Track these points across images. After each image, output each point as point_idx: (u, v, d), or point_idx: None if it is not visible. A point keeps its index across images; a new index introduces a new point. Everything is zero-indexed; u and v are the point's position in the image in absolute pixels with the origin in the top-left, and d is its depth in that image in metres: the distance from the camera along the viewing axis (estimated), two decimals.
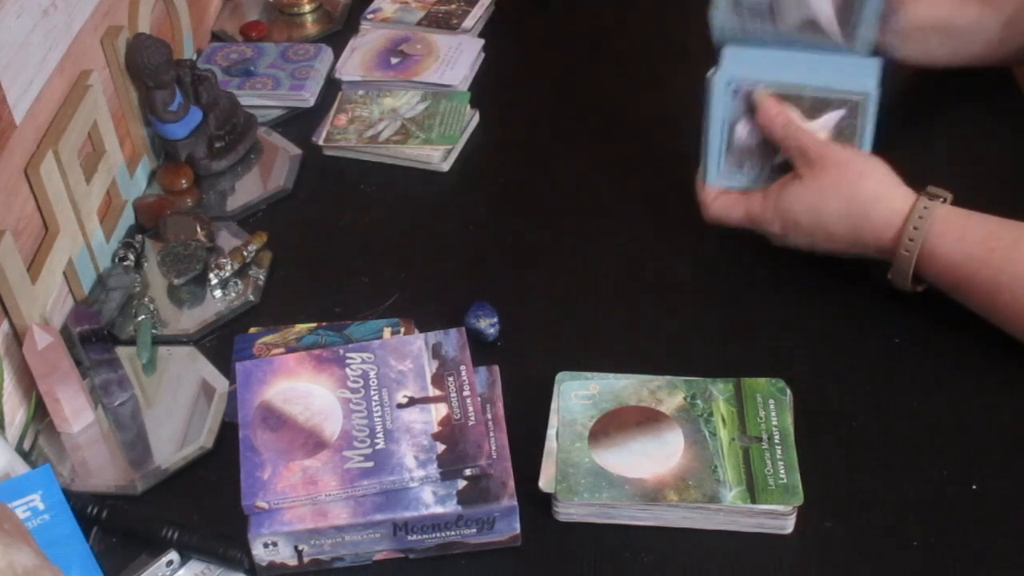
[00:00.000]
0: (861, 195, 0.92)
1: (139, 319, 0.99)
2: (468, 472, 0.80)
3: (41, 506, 0.79)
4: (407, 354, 0.86)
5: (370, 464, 0.80)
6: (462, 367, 0.85)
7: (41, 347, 0.86)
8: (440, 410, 0.82)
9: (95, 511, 0.83)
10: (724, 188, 0.99)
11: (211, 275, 1.02)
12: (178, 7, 1.22)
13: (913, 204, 0.90)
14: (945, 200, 0.91)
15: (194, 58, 1.28)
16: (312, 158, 1.18)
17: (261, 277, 1.04)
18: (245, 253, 1.04)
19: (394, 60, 1.27)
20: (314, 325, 0.96)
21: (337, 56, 1.30)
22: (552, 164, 1.16)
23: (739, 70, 0.97)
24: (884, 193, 0.92)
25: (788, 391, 0.87)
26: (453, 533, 0.80)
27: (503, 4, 1.38)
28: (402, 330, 0.94)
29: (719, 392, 0.87)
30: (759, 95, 0.96)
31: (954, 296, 0.92)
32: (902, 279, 0.92)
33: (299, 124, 1.22)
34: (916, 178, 0.93)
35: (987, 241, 0.89)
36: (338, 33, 1.36)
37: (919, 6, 1.07)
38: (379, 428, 0.82)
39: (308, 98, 1.24)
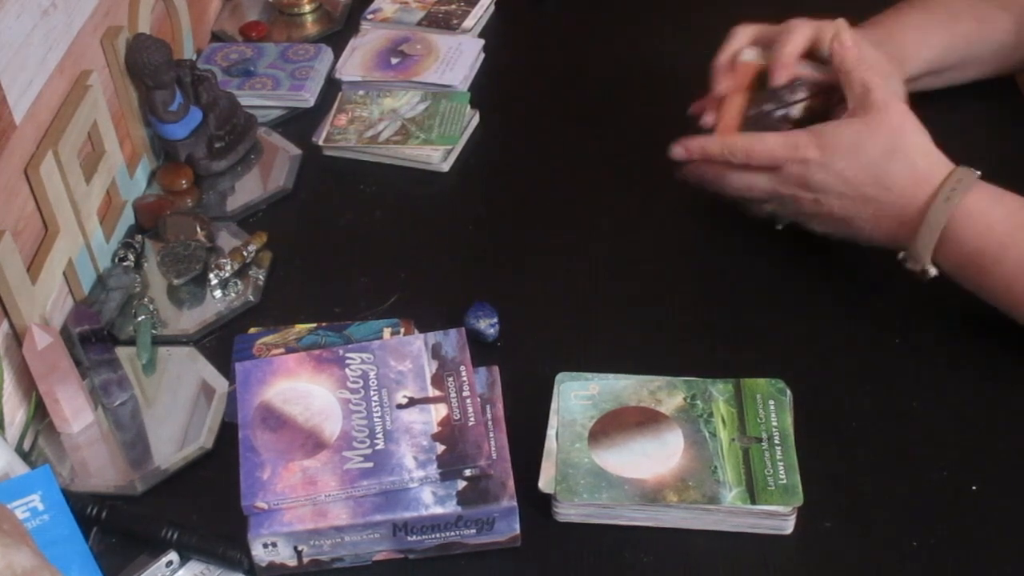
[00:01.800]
0: (911, 143, 0.91)
1: (139, 319, 0.99)
2: (468, 472, 0.80)
3: (40, 506, 0.79)
4: (407, 354, 0.86)
5: (370, 465, 0.80)
6: (462, 367, 0.85)
7: (41, 347, 0.86)
8: (440, 410, 0.82)
9: (95, 511, 0.83)
10: None
11: (211, 275, 1.02)
12: (178, 7, 1.22)
13: (956, 167, 0.91)
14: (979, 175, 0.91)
15: (194, 58, 1.28)
16: (312, 158, 1.18)
17: (261, 277, 1.04)
18: (245, 253, 1.04)
19: (394, 60, 1.27)
20: (314, 325, 0.96)
21: (337, 56, 1.30)
22: (552, 164, 1.16)
23: None
24: (931, 151, 0.92)
25: (788, 391, 0.87)
26: (453, 534, 0.80)
27: (503, 4, 1.38)
28: (402, 330, 0.94)
29: (719, 393, 0.87)
30: (838, 24, 0.97)
31: (975, 267, 0.89)
32: (926, 244, 0.89)
33: (299, 124, 1.22)
34: None
35: (1016, 216, 0.89)
36: (338, 33, 1.36)
37: (913, 63, 1.07)
38: (379, 428, 0.82)
39: (308, 98, 1.24)
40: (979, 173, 0.90)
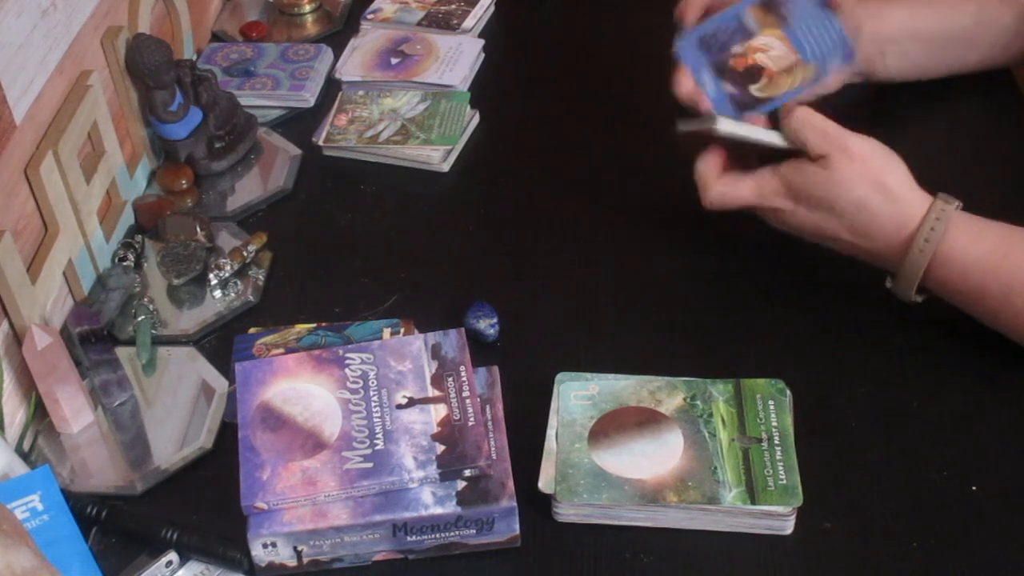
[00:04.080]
0: (882, 190, 0.90)
1: (139, 319, 0.99)
2: (467, 473, 0.80)
3: (40, 507, 0.79)
4: (406, 355, 0.86)
5: (369, 465, 0.80)
6: (461, 368, 0.85)
7: (41, 347, 0.86)
8: (439, 411, 0.82)
9: (94, 511, 0.83)
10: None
11: (211, 275, 1.02)
12: (178, 7, 1.22)
13: (930, 206, 0.89)
14: (958, 206, 0.90)
15: (194, 58, 1.28)
16: (312, 158, 1.18)
17: (261, 277, 1.04)
18: (245, 253, 1.04)
19: (394, 60, 1.27)
20: (314, 325, 0.96)
21: (337, 56, 1.30)
22: (552, 164, 1.16)
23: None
24: (904, 194, 0.90)
25: (788, 392, 0.87)
26: (452, 534, 0.80)
27: (503, 4, 1.38)
28: (402, 330, 0.94)
29: (719, 393, 0.87)
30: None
31: (960, 302, 0.91)
32: (907, 285, 0.91)
33: (299, 124, 1.22)
34: (916, 178, 0.93)
35: (1000, 246, 0.88)
36: (338, 33, 1.36)
37: (892, 17, 1.08)
38: (378, 429, 0.82)
39: (308, 98, 1.24)
40: (958, 204, 0.90)
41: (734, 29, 1.01)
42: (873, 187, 0.90)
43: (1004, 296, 0.88)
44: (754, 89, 1.01)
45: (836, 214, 0.91)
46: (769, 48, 1.01)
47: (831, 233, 0.93)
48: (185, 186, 1.13)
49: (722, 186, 0.96)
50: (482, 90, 1.24)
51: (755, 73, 1.02)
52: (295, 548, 0.79)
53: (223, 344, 0.98)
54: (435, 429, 0.81)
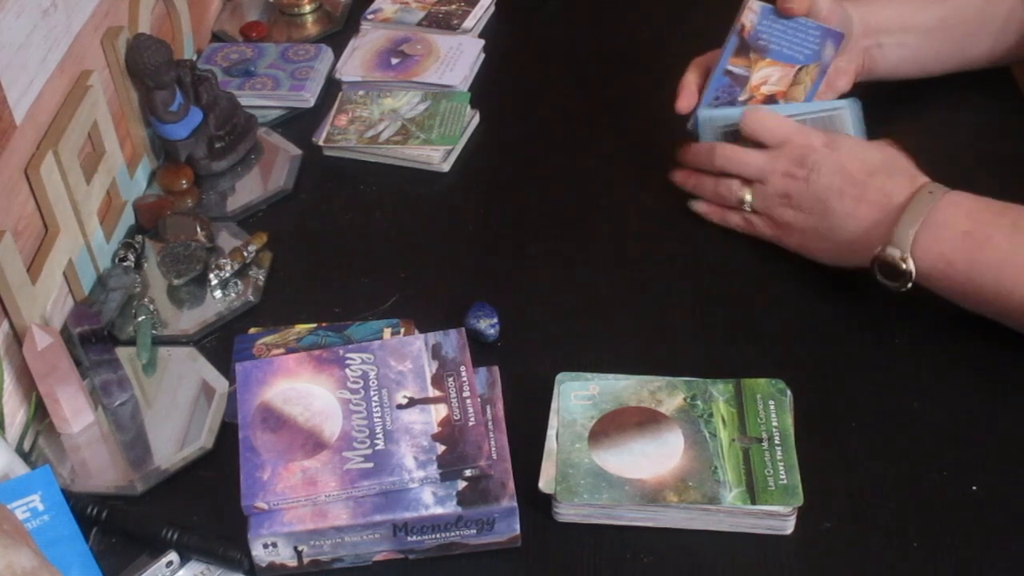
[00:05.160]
0: (894, 150, 0.96)
1: (139, 319, 0.99)
2: (468, 473, 0.80)
3: (41, 507, 0.79)
4: (407, 355, 0.86)
5: (370, 465, 0.80)
6: (462, 368, 0.85)
7: (41, 347, 0.86)
8: (440, 411, 0.82)
9: (95, 512, 0.83)
10: None
11: (211, 275, 1.02)
12: (178, 7, 1.22)
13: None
14: None
15: (194, 58, 1.28)
16: (312, 158, 1.18)
17: (261, 277, 1.04)
18: (245, 253, 1.04)
19: (394, 60, 1.27)
20: (314, 326, 0.96)
21: (337, 56, 1.30)
22: (552, 164, 1.16)
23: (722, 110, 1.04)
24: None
25: (788, 392, 0.87)
26: (453, 534, 0.80)
27: (503, 4, 1.38)
28: (402, 331, 0.94)
29: (719, 393, 0.87)
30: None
31: (963, 256, 0.89)
32: (907, 228, 0.89)
33: (299, 124, 1.22)
34: None
35: (998, 203, 0.90)
36: (338, 33, 1.36)
37: (883, 8, 1.09)
38: (379, 429, 0.82)
39: (308, 98, 1.24)
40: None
41: (729, 84, 1.03)
42: (890, 149, 0.96)
43: (1011, 237, 0.88)
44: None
45: (864, 160, 0.94)
46: (768, 78, 1.03)
47: (848, 172, 0.94)
48: (185, 186, 1.13)
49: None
50: (482, 90, 1.24)
51: (771, 102, 1.03)
52: (295, 548, 0.79)
53: (223, 344, 0.98)
54: (435, 429, 0.81)
